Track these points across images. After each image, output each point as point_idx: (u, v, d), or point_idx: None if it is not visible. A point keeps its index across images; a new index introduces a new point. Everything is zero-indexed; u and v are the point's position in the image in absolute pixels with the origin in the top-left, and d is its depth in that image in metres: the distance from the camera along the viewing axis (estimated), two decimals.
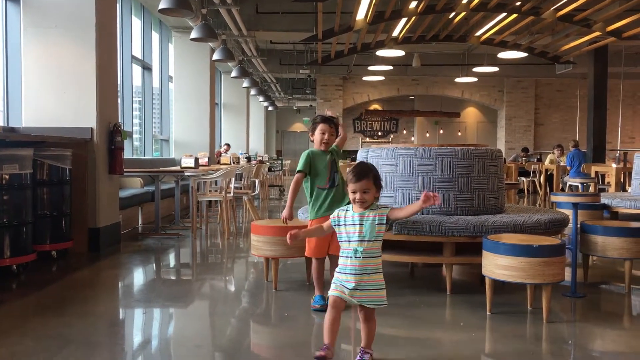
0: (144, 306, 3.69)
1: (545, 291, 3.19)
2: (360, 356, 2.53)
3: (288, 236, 2.57)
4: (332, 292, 2.47)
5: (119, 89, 6.60)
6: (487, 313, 3.34)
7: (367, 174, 2.49)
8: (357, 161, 4.59)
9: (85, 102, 5.28)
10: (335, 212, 2.58)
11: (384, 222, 2.48)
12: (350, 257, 2.46)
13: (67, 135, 5.07)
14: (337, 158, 3.58)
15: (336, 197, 3.45)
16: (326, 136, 3.46)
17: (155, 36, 10.27)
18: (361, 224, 2.48)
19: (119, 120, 5.88)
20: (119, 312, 3.63)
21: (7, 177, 4.16)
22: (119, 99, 6.46)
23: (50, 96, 5.28)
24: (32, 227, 4.47)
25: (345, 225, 2.52)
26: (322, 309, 3.35)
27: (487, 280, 3.36)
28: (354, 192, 2.49)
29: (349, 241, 2.50)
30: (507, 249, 3.19)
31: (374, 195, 2.52)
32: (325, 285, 3.45)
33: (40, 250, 4.67)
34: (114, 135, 5.54)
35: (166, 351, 2.90)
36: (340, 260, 2.50)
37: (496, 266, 3.23)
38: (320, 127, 3.47)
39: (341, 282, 2.46)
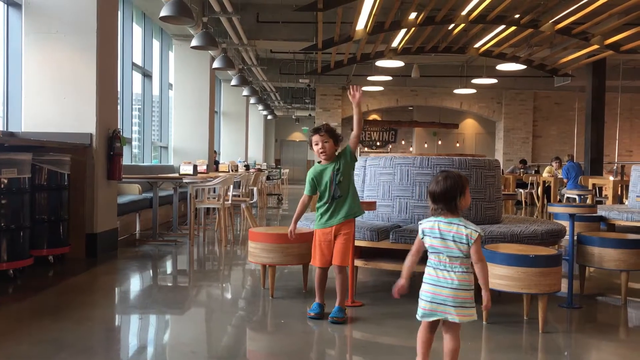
0: (140, 312, 3.69)
1: (542, 301, 3.20)
2: None
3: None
4: None
5: (119, 95, 6.62)
6: (483, 323, 3.34)
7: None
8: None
9: (85, 108, 5.30)
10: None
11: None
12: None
13: (67, 141, 5.09)
14: (347, 161, 3.38)
15: (336, 208, 3.41)
16: (320, 146, 3.35)
17: (156, 44, 10.31)
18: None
19: (119, 127, 5.89)
20: (115, 317, 3.63)
21: (5, 181, 4.17)
22: (118, 106, 6.48)
23: (50, 101, 5.30)
24: (30, 231, 4.47)
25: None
26: (318, 317, 3.35)
27: None
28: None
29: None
30: (503, 258, 3.20)
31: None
32: (326, 294, 3.46)
33: (37, 255, 4.66)
34: (113, 141, 5.55)
35: (162, 357, 2.89)
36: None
37: (492, 276, 3.23)
38: (313, 140, 3.38)
39: None
